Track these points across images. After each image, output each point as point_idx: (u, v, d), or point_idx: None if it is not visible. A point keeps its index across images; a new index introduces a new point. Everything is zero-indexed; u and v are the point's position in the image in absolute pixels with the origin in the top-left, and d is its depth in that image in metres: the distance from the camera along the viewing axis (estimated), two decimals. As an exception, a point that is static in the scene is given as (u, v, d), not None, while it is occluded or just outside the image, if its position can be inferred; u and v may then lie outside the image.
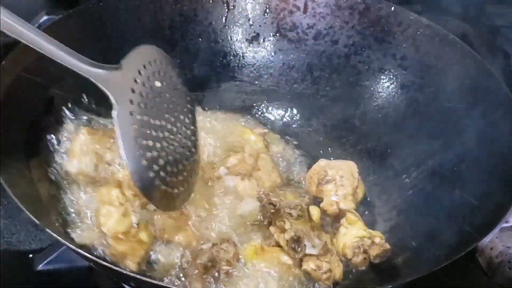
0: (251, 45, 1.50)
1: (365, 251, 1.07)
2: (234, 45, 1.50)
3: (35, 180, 1.04)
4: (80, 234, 1.02)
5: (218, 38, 1.49)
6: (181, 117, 1.02)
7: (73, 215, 1.07)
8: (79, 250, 0.84)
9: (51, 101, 1.17)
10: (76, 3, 1.40)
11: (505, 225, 1.15)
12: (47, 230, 0.86)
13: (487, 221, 0.93)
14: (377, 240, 1.07)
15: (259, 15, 1.48)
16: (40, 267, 1.07)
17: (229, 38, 1.49)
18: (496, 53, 1.62)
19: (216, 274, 1.01)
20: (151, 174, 0.90)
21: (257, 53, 1.51)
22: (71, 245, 0.85)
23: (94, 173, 1.11)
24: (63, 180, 1.12)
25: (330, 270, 1.03)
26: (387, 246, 1.07)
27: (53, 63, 1.18)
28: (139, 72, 0.92)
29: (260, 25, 1.49)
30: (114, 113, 0.86)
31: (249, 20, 1.48)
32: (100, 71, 0.88)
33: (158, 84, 0.95)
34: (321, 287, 1.05)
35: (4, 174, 0.90)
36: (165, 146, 0.94)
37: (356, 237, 1.08)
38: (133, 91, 0.89)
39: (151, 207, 1.05)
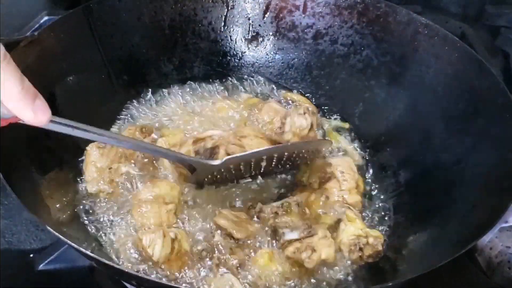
0: (250, 44, 1.51)
1: (360, 249, 1.09)
2: (234, 45, 1.50)
3: (45, 193, 1.05)
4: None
5: (218, 38, 1.49)
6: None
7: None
8: (81, 249, 0.84)
9: (53, 102, 1.17)
10: (76, 3, 1.40)
11: (504, 225, 1.15)
12: (49, 228, 0.86)
13: (486, 220, 0.93)
14: (371, 240, 1.09)
15: (258, 15, 1.48)
16: (41, 267, 1.07)
17: (229, 37, 1.50)
18: (496, 53, 1.62)
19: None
20: None
21: (256, 53, 1.51)
22: (73, 244, 0.85)
23: (112, 189, 1.17)
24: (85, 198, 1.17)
25: (313, 250, 1.04)
26: (379, 248, 1.08)
27: (53, 63, 1.20)
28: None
29: (259, 25, 1.49)
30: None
31: (248, 19, 1.49)
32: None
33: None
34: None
35: (5, 173, 0.90)
36: None
37: (353, 235, 1.10)
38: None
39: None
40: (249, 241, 1.09)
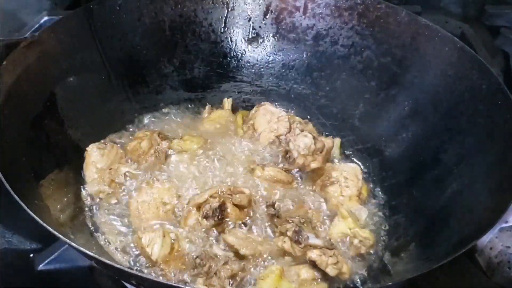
0: (251, 45, 1.51)
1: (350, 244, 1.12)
2: (234, 46, 1.50)
3: (45, 194, 1.06)
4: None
5: (218, 39, 1.49)
6: None
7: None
8: (81, 249, 0.84)
9: (53, 101, 1.18)
10: (77, 4, 1.41)
11: (504, 225, 1.15)
12: (49, 228, 0.86)
13: (486, 220, 0.93)
14: (355, 241, 1.11)
15: (259, 16, 1.48)
16: (41, 267, 1.07)
17: (229, 38, 1.50)
18: (496, 53, 1.62)
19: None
20: None
21: (257, 54, 1.51)
22: (73, 244, 0.85)
23: (112, 189, 1.18)
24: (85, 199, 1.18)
25: (337, 261, 1.04)
26: (362, 251, 1.11)
27: (53, 64, 1.20)
28: None
29: (260, 26, 1.49)
30: None
31: (249, 21, 1.49)
32: None
33: None
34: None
35: (5, 173, 0.90)
36: None
37: (341, 233, 1.13)
38: None
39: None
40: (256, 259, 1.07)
